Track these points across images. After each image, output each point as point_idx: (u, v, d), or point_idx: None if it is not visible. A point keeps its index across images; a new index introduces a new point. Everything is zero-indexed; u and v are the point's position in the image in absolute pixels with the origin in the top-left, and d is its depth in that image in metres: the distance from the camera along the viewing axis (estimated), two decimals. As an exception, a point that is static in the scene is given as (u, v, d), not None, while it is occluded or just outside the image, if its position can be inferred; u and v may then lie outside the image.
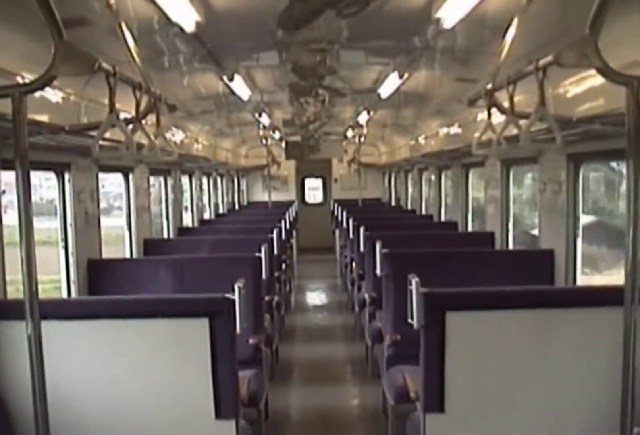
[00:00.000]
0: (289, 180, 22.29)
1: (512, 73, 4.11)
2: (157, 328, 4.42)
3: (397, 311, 6.25)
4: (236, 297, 4.38)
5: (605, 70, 2.90)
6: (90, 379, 4.43)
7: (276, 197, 19.43)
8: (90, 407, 4.41)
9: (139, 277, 6.63)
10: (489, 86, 4.39)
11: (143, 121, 4.62)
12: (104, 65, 3.29)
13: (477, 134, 5.29)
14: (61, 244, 6.38)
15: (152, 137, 4.45)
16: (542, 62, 3.41)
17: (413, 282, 4.45)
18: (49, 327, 4.11)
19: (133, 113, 4.31)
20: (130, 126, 4.25)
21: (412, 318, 4.50)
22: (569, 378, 4.47)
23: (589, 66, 2.90)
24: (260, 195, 21.11)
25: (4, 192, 4.73)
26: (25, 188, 2.88)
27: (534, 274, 6.77)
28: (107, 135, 4.40)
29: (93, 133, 4.51)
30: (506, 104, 4.28)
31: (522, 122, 4.21)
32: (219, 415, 4.44)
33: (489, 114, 4.55)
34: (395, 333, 6.34)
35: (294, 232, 16.24)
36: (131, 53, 4.25)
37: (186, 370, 4.45)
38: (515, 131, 4.22)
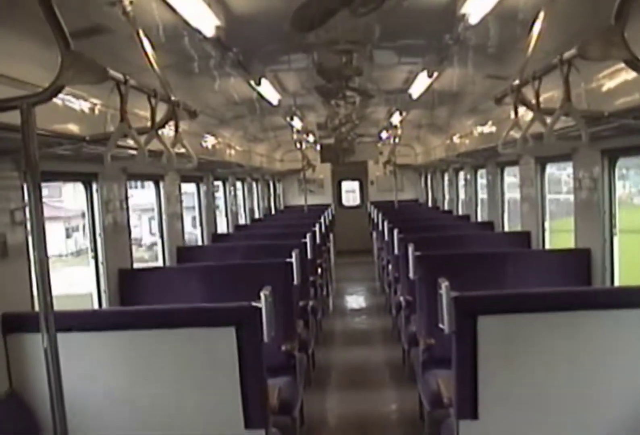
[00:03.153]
0: (325, 184, 22.23)
1: (538, 68, 3.98)
2: (183, 338, 4.37)
3: (430, 315, 6.13)
4: (263, 305, 4.30)
5: (633, 62, 2.78)
6: (117, 389, 4.40)
7: (313, 200, 19.36)
8: (116, 417, 4.39)
9: (170, 286, 6.60)
10: (516, 82, 4.26)
11: (167, 127, 4.59)
12: (113, 73, 3.24)
13: (504, 133, 5.15)
14: (91, 254, 6.36)
15: (169, 146, 4.39)
16: (566, 55, 3.29)
17: (443, 286, 4.35)
18: (73, 339, 4.11)
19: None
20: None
21: (443, 323, 4.39)
22: (604, 382, 4.34)
23: (615, 58, 2.77)
24: (297, 199, 21.07)
25: (26, 205, 4.71)
26: (36, 200, 2.83)
27: (571, 275, 6.61)
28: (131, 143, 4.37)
29: (121, 143, 4.50)
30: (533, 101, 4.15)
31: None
32: (248, 425, 4.37)
33: (516, 112, 4.43)
34: (429, 337, 6.22)
35: (331, 236, 16.16)
36: (149, 60, 4.20)
37: (214, 380, 4.40)
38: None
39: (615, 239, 6.37)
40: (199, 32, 4.90)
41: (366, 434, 6.90)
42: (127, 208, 6.96)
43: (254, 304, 4.32)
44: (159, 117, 4.35)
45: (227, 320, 4.31)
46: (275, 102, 8.80)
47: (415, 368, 6.88)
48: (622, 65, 4.48)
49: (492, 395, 4.37)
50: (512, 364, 4.39)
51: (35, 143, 2.85)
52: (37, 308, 4.65)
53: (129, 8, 3.87)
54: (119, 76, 3.46)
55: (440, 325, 4.43)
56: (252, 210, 16.25)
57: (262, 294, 4.32)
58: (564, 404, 4.38)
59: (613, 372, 4.36)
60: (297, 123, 11.79)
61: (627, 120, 4.46)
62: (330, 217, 16.33)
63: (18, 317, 4.42)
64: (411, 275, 6.94)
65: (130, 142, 4.45)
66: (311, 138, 15.46)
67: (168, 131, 5.23)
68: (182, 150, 5.17)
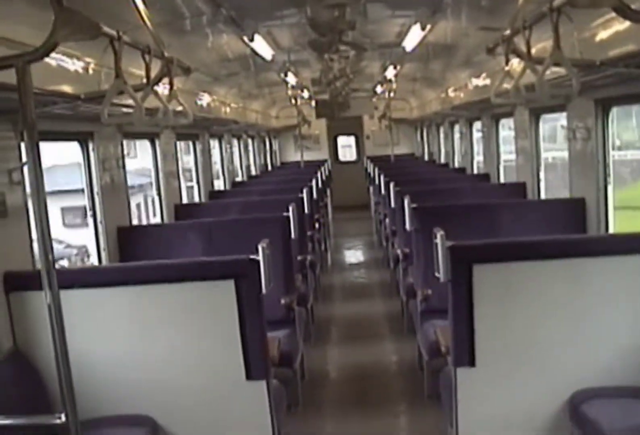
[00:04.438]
0: (321, 139, 22.21)
1: (528, 17, 3.99)
2: (183, 292, 4.43)
3: (426, 266, 6.21)
4: (260, 257, 4.36)
5: (621, 9, 2.80)
6: (120, 344, 4.48)
7: (309, 156, 19.36)
8: (121, 371, 4.47)
9: (169, 242, 6.66)
10: (507, 32, 4.27)
11: (161, 85, 4.60)
12: (107, 29, 3.25)
13: (497, 82, 5.17)
14: (89, 212, 6.41)
15: (165, 101, 4.41)
16: (556, 2, 3.30)
17: (438, 236, 4.40)
18: (75, 295, 4.17)
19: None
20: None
21: (438, 272, 4.46)
22: (599, 326, 4.43)
23: (603, 5, 2.79)
24: (293, 155, 21.06)
25: (24, 164, 4.73)
26: (35, 159, 2.86)
27: (566, 224, 6.67)
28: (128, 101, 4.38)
29: (116, 101, 4.51)
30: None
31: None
32: (249, 376, 4.46)
33: (507, 61, 4.44)
34: (426, 288, 6.31)
35: (328, 191, 16.20)
36: (142, 17, 4.20)
37: (214, 332, 4.48)
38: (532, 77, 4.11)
39: (610, 188, 6.42)
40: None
41: (367, 386, 7.00)
42: (124, 166, 6.99)
43: (251, 256, 4.38)
44: (153, 74, 4.36)
45: (226, 273, 4.38)
46: (269, 57, 8.76)
47: (414, 319, 6.98)
48: (614, 14, 4.53)
49: (488, 343, 4.45)
50: (508, 311, 4.46)
51: (32, 101, 2.86)
52: (38, 266, 4.75)
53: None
54: (112, 32, 3.47)
55: (437, 274, 4.49)
56: (248, 168, 16.27)
57: (259, 247, 4.38)
58: (559, 349, 4.47)
59: (608, 318, 4.43)
60: (291, 79, 11.74)
61: (619, 68, 4.47)
62: (326, 173, 16.35)
63: (20, 275, 4.48)
64: (407, 227, 7.00)
65: (126, 101, 4.48)
66: (306, 94, 15.41)
67: (163, 89, 5.24)
68: (179, 108, 5.20)
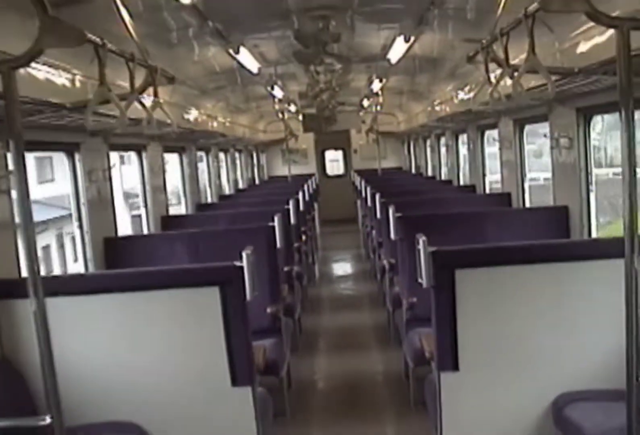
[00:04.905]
0: (309, 153, 22.27)
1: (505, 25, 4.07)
2: (168, 299, 4.46)
3: (411, 274, 6.24)
4: (244, 264, 4.40)
5: (593, 14, 2.86)
6: (104, 350, 4.49)
7: (297, 170, 19.41)
8: (107, 378, 4.48)
9: (156, 253, 6.68)
10: (485, 40, 4.35)
11: (146, 96, 4.64)
12: (91, 37, 3.30)
13: (474, 92, 5.24)
14: (76, 223, 6.44)
15: (149, 110, 4.46)
16: (530, 8, 3.37)
17: (421, 241, 4.45)
18: (60, 303, 4.19)
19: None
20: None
21: (421, 277, 4.51)
22: (581, 330, 4.48)
23: (576, 10, 2.86)
24: (281, 169, 21.11)
25: (11, 172, 4.77)
26: (21, 168, 2.89)
27: (550, 232, 6.74)
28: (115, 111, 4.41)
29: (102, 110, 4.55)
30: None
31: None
32: (235, 382, 4.48)
33: (487, 69, 4.51)
34: (411, 296, 6.36)
35: (315, 205, 16.25)
36: (127, 28, 4.26)
37: (200, 339, 4.50)
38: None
39: (592, 196, 6.50)
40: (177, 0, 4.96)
41: (354, 395, 7.02)
42: (110, 178, 7.02)
43: (236, 263, 4.42)
44: (137, 83, 4.41)
45: (211, 280, 4.40)
46: (255, 70, 8.83)
47: (400, 328, 7.03)
48: (593, 23, 4.62)
49: (472, 347, 4.49)
50: (491, 316, 4.51)
51: (18, 109, 2.89)
52: (24, 274, 4.77)
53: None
54: (97, 40, 3.51)
55: (419, 280, 4.54)
56: (235, 181, 16.32)
57: (243, 253, 4.42)
58: (542, 354, 4.51)
59: (590, 322, 4.48)
60: (278, 92, 11.82)
61: (597, 75, 4.56)
62: (314, 186, 16.41)
63: (6, 283, 4.49)
64: (392, 236, 7.05)
65: (112, 111, 4.53)
66: (293, 108, 15.49)
67: (147, 101, 5.29)
68: (168, 120, 5.25)
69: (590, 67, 4.50)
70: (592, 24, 4.59)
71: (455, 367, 4.50)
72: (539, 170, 12.86)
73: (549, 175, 7.37)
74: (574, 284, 4.49)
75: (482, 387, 4.56)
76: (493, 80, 4.63)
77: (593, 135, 6.58)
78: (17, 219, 3.00)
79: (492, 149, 10.61)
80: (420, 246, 4.47)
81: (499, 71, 4.77)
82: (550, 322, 4.49)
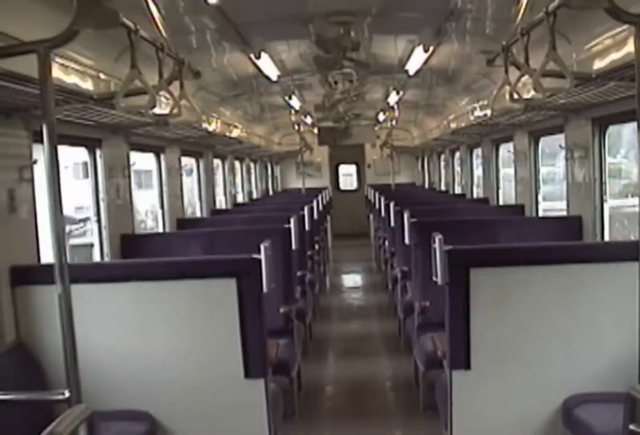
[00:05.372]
0: (323, 167, 22.36)
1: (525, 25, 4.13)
2: (186, 289, 4.53)
3: (425, 278, 6.29)
4: (262, 256, 4.46)
5: (613, 10, 2.93)
6: (121, 339, 4.56)
7: (310, 183, 19.46)
8: (121, 366, 4.54)
9: (171, 251, 6.74)
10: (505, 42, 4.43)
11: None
12: (125, 20, 3.38)
13: (495, 91, 5.30)
14: (94, 218, 6.52)
15: (177, 99, 4.55)
16: (551, 6, 3.45)
17: (437, 240, 4.52)
18: (80, 290, 4.26)
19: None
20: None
21: (436, 276, 4.56)
22: (593, 332, 4.51)
23: (596, 6, 2.93)
24: (295, 182, 21.21)
25: (35, 162, 4.87)
26: (53, 157, 2.96)
27: (563, 241, 6.75)
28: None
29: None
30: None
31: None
32: (248, 374, 4.53)
33: (506, 70, 4.57)
34: (424, 300, 6.40)
35: (328, 217, 16.32)
36: (155, 23, 4.35)
37: (215, 330, 4.56)
38: (532, 92, 4.25)
39: (606, 206, 6.55)
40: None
41: (363, 399, 7.05)
42: (130, 176, 7.11)
43: (254, 255, 4.48)
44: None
45: (229, 272, 4.47)
46: (274, 77, 8.91)
47: (411, 333, 7.05)
48: (610, 33, 4.70)
49: (484, 346, 4.53)
50: (504, 315, 4.55)
51: (52, 90, 2.96)
52: (44, 261, 4.85)
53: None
54: (130, 24, 3.59)
55: (434, 278, 4.60)
56: (250, 192, 16.42)
57: (262, 246, 4.48)
58: (553, 354, 4.55)
59: (602, 324, 4.52)
60: (295, 102, 11.92)
61: (614, 81, 4.62)
62: (327, 198, 16.49)
63: (26, 269, 4.58)
64: (407, 241, 7.10)
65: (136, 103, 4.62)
66: (309, 120, 15.59)
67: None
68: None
69: (606, 72, 4.57)
70: (609, 33, 4.75)
71: (467, 365, 4.55)
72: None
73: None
74: (587, 286, 4.53)
75: (493, 386, 4.59)
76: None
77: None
78: (48, 207, 3.04)
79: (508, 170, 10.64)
80: (437, 244, 4.53)
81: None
82: (562, 323, 4.53)
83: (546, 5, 4.27)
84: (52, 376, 4.39)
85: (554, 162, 11.25)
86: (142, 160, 8.31)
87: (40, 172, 4.70)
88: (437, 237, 4.52)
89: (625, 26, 3.94)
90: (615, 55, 4.72)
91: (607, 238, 6.57)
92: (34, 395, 3.43)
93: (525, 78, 4.44)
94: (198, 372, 4.57)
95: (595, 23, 4.85)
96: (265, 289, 4.47)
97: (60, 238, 3.01)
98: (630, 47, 4.47)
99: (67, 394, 3.07)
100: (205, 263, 4.75)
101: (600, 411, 4.20)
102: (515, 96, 4.64)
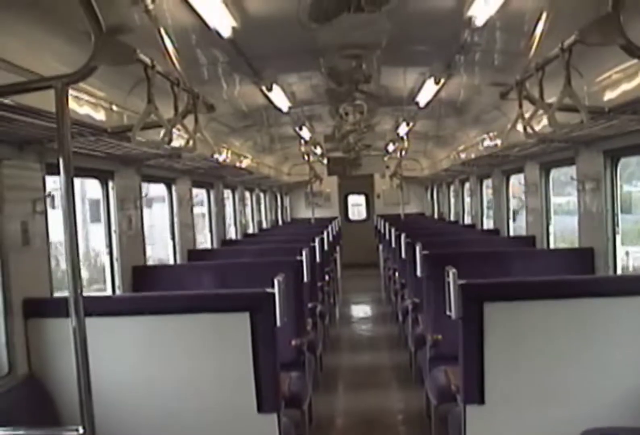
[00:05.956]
0: (332, 197, 22.37)
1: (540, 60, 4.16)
2: (199, 323, 4.51)
3: (437, 311, 6.26)
4: (276, 290, 4.45)
5: (629, 47, 2.95)
6: (133, 373, 4.54)
7: (319, 213, 19.47)
8: (133, 400, 4.52)
9: (183, 283, 6.74)
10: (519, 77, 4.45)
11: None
12: (142, 56, 3.41)
13: (509, 125, 5.32)
14: (106, 250, 6.53)
15: (192, 133, 4.58)
16: (567, 42, 3.47)
17: (450, 274, 4.50)
18: (93, 323, 4.25)
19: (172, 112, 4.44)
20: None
21: (450, 310, 4.54)
22: (607, 366, 4.48)
23: (612, 43, 2.94)
24: (304, 212, 21.24)
25: (49, 194, 4.89)
26: (69, 190, 2.97)
27: (575, 272, 6.73)
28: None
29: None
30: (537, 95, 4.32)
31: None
32: (260, 409, 4.50)
33: (520, 105, 4.59)
34: (436, 333, 6.35)
35: (338, 248, 16.31)
36: (170, 58, 4.39)
37: (228, 364, 4.53)
38: (545, 121, 4.26)
39: (618, 238, 6.53)
40: (216, 31, 5.09)
41: (373, 432, 6.99)
42: (141, 207, 7.13)
43: (267, 290, 4.47)
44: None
45: (242, 306, 4.46)
46: (285, 109, 8.97)
47: (422, 366, 7.00)
48: (622, 67, 4.72)
49: (498, 380, 4.50)
50: (518, 349, 4.52)
51: (69, 125, 2.98)
52: (57, 294, 4.85)
53: (151, 6, 4.06)
54: (147, 60, 3.63)
55: (448, 313, 4.57)
56: (259, 222, 16.43)
57: (275, 280, 4.47)
58: (568, 389, 4.51)
59: (616, 359, 4.49)
60: (305, 133, 11.96)
61: (627, 115, 4.63)
62: (337, 229, 16.49)
63: (39, 302, 4.58)
64: (419, 273, 7.07)
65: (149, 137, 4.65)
66: (318, 150, 15.64)
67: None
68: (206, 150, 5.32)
69: (619, 106, 4.58)
70: (620, 67, 4.77)
71: (481, 400, 4.50)
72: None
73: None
74: (601, 319, 4.51)
75: (508, 421, 4.55)
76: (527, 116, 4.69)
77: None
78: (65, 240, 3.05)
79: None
80: (450, 278, 4.51)
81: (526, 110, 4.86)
82: (577, 357, 4.50)
83: (559, 41, 4.32)
84: (65, 410, 4.37)
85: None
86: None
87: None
88: (451, 271, 4.50)
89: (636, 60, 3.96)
90: (626, 87, 4.75)
91: (619, 270, 6.54)
92: (47, 432, 3.41)
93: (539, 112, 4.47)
94: (211, 406, 4.54)
95: (606, 56, 4.87)
96: (278, 323, 4.46)
97: (75, 270, 3.01)
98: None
99: (81, 431, 3.05)
100: (218, 297, 4.74)
101: (616, 447, 4.16)
102: (529, 130, 4.64)
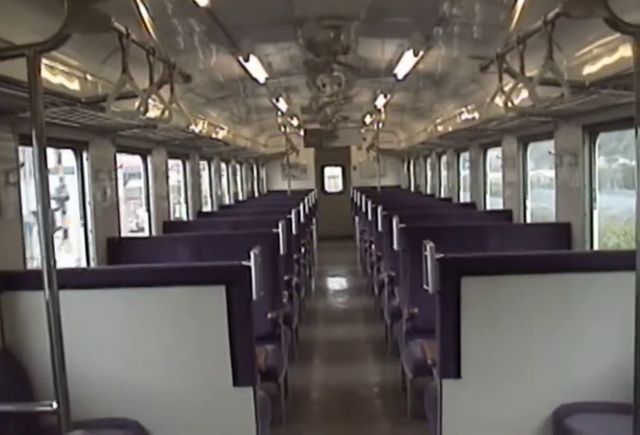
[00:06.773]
0: (308, 169, 22.30)
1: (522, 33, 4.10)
2: (174, 296, 4.46)
3: (413, 284, 6.27)
4: (252, 264, 4.41)
5: (612, 20, 2.91)
6: (108, 346, 4.48)
7: (296, 185, 19.42)
8: (108, 374, 4.47)
9: (158, 255, 6.68)
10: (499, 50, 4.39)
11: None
12: (116, 24, 3.32)
13: (488, 99, 5.28)
14: (80, 222, 6.45)
15: (167, 103, 4.49)
16: (550, 15, 3.42)
17: (428, 248, 4.48)
18: (67, 296, 4.18)
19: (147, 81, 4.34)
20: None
21: (427, 284, 4.52)
22: (583, 342, 4.49)
23: (596, 16, 2.90)
24: (280, 184, 21.20)
25: (22, 164, 4.80)
26: (42, 161, 2.90)
27: (552, 247, 6.73)
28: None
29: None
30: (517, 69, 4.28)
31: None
32: (236, 382, 4.47)
33: (500, 78, 4.54)
34: (413, 306, 6.36)
35: (314, 220, 16.30)
36: (146, 26, 4.29)
37: (203, 337, 4.49)
38: (524, 94, 4.22)
39: (595, 213, 6.54)
40: (193, 1, 4.99)
41: (350, 405, 7.00)
42: (116, 179, 7.05)
43: (243, 263, 4.42)
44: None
45: (218, 279, 4.41)
46: (262, 80, 8.87)
47: (399, 339, 7.02)
48: (602, 41, 4.69)
49: (474, 354, 4.50)
50: (494, 324, 4.52)
51: (41, 96, 2.89)
52: (30, 266, 4.78)
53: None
54: (122, 28, 3.54)
55: (425, 287, 4.55)
56: (235, 193, 16.36)
57: (252, 253, 4.42)
58: (544, 363, 4.52)
59: (593, 334, 4.50)
60: (282, 105, 11.86)
61: (608, 90, 4.60)
62: (313, 201, 16.46)
63: (13, 275, 4.50)
64: (395, 246, 7.05)
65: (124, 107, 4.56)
66: (295, 122, 15.55)
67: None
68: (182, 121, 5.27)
69: (600, 80, 4.55)
70: (601, 41, 4.74)
71: (457, 374, 4.50)
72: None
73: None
74: (578, 295, 4.51)
75: (483, 395, 4.56)
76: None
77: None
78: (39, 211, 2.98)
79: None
80: (428, 253, 4.49)
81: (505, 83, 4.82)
82: (554, 332, 4.51)
83: (542, 14, 4.27)
84: (39, 385, 4.31)
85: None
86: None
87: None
88: (429, 245, 4.48)
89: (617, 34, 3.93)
90: (606, 62, 4.72)
91: (596, 245, 6.56)
92: (20, 407, 3.36)
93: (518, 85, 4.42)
94: (186, 379, 4.51)
95: (587, 30, 4.84)
96: (254, 297, 4.42)
97: (48, 243, 2.95)
98: (621, 53, 4.47)
99: (55, 406, 3.01)
100: (194, 270, 4.69)
101: (590, 421, 4.18)
102: (509, 104, 4.60)
